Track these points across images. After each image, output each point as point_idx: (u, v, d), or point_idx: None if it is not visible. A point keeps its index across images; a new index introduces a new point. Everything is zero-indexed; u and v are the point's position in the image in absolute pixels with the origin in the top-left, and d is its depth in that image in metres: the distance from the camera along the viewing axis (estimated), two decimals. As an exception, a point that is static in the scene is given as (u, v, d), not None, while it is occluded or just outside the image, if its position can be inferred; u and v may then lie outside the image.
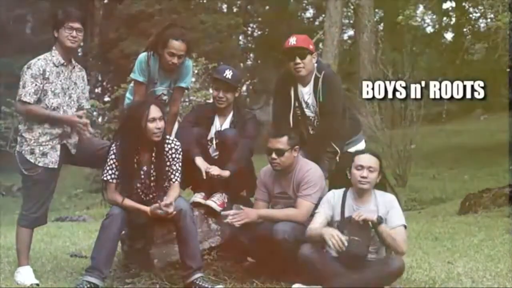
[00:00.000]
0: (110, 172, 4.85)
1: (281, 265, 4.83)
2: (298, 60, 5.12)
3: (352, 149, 5.26)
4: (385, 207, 4.65)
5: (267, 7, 35.64)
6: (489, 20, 17.20)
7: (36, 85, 5.00)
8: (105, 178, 4.87)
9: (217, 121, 5.34)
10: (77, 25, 5.11)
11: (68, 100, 5.15)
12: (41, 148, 5.07)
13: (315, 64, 5.22)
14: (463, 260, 5.90)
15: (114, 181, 4.85)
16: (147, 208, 4.78)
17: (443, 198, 12.85)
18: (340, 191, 4.77)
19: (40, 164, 5.07)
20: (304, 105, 5.28)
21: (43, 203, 5.18)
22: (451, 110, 26.08)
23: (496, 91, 27.84)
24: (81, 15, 5.20)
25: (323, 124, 5.20)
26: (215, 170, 5.02)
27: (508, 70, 15.91)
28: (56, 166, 5.13)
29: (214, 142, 5.29)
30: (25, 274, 5.11)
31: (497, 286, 4.76)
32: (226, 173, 5.04)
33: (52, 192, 5.28)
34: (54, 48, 5.16)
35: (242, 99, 5.52)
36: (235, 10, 33.09)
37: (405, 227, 4.63)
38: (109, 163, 4.86)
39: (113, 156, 4.86)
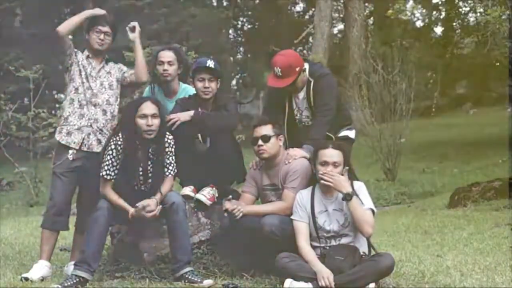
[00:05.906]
0: (109, 168, 4.86)
1: (270, 258, 4.82)
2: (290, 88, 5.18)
3: (341, 134, 5.33)
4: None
5: (257, 1, 35.60)
6: (478, 14, 17.23)
7: (69, 61, 5.36)
8: (105, 176, 4.87)
9: None
10: (106, 28, 5.35)
11: (99, 87, 5.37)
12: (68, 128, 5.25)
13: (306, 72, 5.22)
14: (452, 254, 5.92)
15: (110, 177, 4.86)
16: (131, 210, 4.81)
17: (433, 192, 12.87)
18: (307, 190, 4.75)
19: (63, 142, 5.22)
20: (297, 113, 5.31)
21: (60, 196, 5.22)
22: (441, 104, 26.17)
23: (485, 85, 28.02)
24: (111, 19, 5.42)
25: (316, 116, 5.19)
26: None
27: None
28: (76, 147, 5.22)
29: (199, 137, 5.28)
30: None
31: (486, 279, 4.77)
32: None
33: (71, 191, 5.32)
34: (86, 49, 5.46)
35: (220, 90, 5.61)
36: (225, 3, 33.01)
37: (374, 212, 4.59)
38: (107, 159, 4.86)
39: (110, 152, 4.85)
